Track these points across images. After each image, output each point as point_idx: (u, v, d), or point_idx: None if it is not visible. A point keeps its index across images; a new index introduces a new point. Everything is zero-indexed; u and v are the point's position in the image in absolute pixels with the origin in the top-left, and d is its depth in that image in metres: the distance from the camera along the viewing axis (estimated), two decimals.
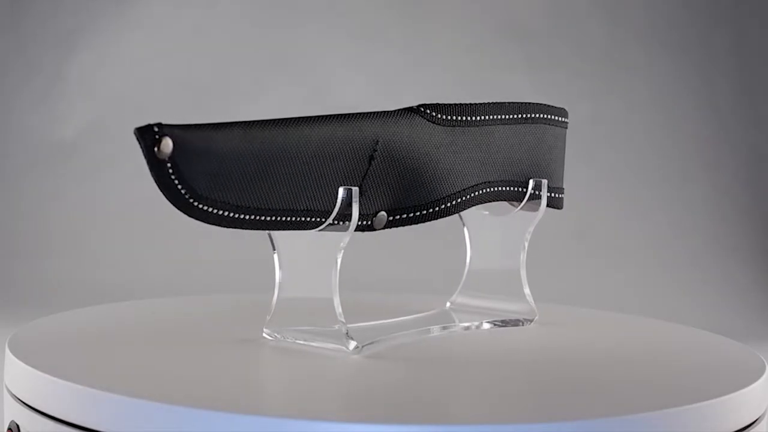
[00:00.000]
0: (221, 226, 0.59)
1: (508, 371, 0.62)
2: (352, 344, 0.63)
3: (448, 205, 0.68)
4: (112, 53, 1.54)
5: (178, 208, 0.57)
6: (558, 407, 0.55)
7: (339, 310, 0.63)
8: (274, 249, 0.66)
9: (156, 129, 0.55)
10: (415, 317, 0.73)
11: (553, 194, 0.75)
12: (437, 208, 0.67)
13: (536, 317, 0.74)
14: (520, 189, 0.72)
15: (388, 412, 0.52)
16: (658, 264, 1.47)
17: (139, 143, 0.55)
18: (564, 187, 0.77)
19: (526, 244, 0.74)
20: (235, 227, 0.60)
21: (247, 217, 0.60)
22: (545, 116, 0.73)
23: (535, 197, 0.73)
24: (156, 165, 0.55)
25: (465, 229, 0.76)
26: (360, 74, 1.56)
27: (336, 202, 0.62)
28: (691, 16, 1.59)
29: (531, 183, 0.72)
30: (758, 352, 0.68)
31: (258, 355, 0.63)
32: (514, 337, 0.71)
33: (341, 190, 0.62)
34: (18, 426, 0.59)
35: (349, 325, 0.63)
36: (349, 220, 0.62)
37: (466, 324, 0.72)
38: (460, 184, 0.68)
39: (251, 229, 0.60)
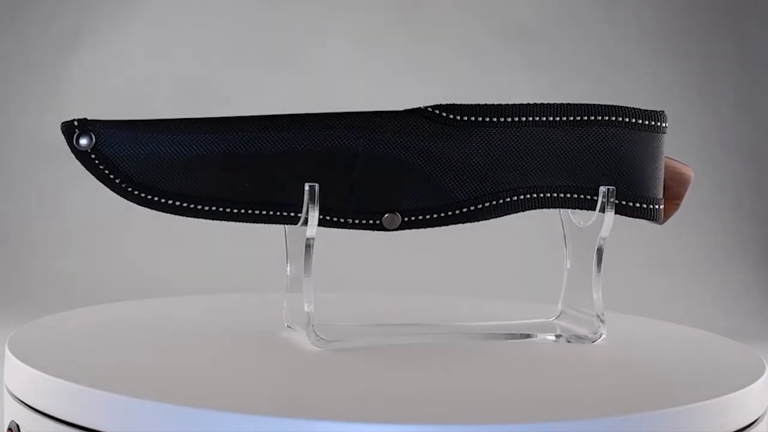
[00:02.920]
0: (173, 214, 0.62)
1: (508, 372, 0.62)
2: (316, 339, 0.64)
3: (473, 208, 0.66)
4: (112, 53, 1.54)
5: (121, 196, 0.61)
6: (555, 407, 0.55)
7: (309, 309, 0.63)
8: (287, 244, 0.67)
9: (76, 123, 0.61)
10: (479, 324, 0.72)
11: (640, 204, 0.69)
12: (459, 211, 0.66)
13: (602, 335, 0.69)
14: (587, 196, 0.68)
15: (356, 410, 0.52)
16: (657, 264, 1.47)
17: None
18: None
19: (597, 257, 0.69)
20: (188, 216, 0.62)
21: (204, 207, 0.62)
22: (620, 119, 0.68)
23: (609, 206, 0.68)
24: (79, 156, 0.62)
25: (564, 238, 0.72)
26: (360, 75, 1.56)
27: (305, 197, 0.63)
28: (692, 17, 1.58)
29: (601, 190, 0.68)
30: (758, 352, 0.68)
31: (259, 354, 0.63)
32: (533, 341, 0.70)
33: (306, 186, 0.63)
34: (18, 426, 0.58)
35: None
36: (332, 216, 0.63)
37: (527, 335, 0.70)
38: (487, 187, 0.66)
39: (212, 219, 0.62)
